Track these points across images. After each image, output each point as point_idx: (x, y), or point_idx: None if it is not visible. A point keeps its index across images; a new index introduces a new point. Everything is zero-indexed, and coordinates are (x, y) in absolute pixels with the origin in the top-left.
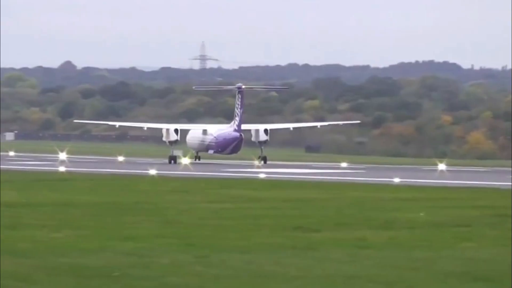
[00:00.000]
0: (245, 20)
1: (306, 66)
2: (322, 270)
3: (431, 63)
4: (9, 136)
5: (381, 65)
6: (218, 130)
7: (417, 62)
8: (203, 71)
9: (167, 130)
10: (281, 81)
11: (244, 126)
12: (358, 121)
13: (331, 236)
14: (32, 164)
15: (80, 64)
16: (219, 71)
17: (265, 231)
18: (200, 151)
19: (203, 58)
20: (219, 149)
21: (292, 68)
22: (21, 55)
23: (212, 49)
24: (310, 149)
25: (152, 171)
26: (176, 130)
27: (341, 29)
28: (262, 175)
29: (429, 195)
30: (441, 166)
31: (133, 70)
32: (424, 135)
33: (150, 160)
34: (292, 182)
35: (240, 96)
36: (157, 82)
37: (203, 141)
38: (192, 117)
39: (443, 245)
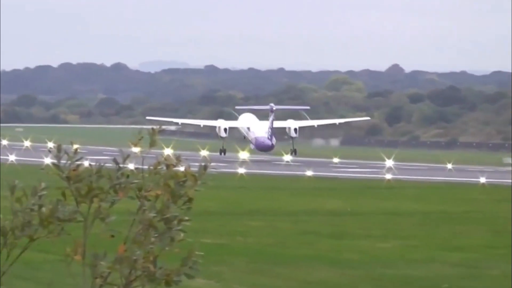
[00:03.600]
0: None
1: None
2: None
3: None
4: (334, 142)
5: None
6: (259, 130)
7: None
8: None
9: (219, 127)
10: None
11: (278, 124)
12: (368, 118)
13: None
14: (357, 171)
15: (408, 67)
16: None
17: None
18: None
19: None
20: (256, 148)
21: None
22: (348, 58)
23: None
24: None
25: (482, 179)
26: (225, 129)
27: None
28: None
29: None
30: None
31: (463, 74)
32: None
33: (481, 167)
34: None
35: (272, 114)
36: (488, 87)
37: (247, 135)
38: None
39: None
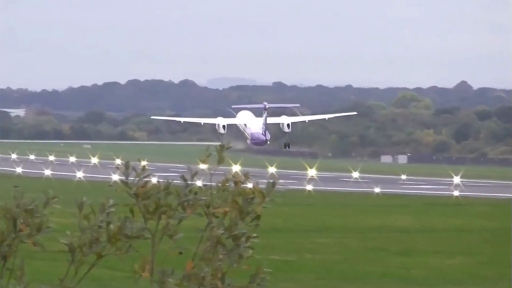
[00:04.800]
0: None
1: None
2: None
3: None
4: (402, 159)
5: None
6: (254, 126)
7: None
8: None
9: (218, 124)
10: None
11: (274, 120)
12: (355, 113)
13: None
14: (425, 188)
15: (476, 84)
16: None
17: None
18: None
19: None
20: (252, 142)
21: None
22: (416, 75)
23: None
24: None
25: None
26: (223, 126)
27: None
28: None
29: None
30: None
31: None
32: None
33: None
34: None
35: (266, 112)
36: None
37: (244, 131)
38: None
39: None
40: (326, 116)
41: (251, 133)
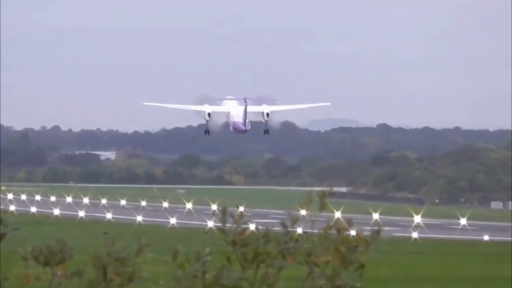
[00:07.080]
0: None
1: None
2: None
3: None
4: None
5: None
6: (237, 116)
7: None
8: None
9: (204, 111)
10: None
11: (255, 109)
12: (328, 103)
13: None
14: None
15: None
16: None
17: None
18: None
19: None
20: (234, 130)
21: None
22: None
23: None
24: None
25: None
26: (209, 113)
27: None
28: None
29: None
30: None
31: None
32: None
33: None
34: None
35: (245, 104)
36: None
37: (227, 118)
38: None
39: None
40: (301, 106)
41: (233, 122)
